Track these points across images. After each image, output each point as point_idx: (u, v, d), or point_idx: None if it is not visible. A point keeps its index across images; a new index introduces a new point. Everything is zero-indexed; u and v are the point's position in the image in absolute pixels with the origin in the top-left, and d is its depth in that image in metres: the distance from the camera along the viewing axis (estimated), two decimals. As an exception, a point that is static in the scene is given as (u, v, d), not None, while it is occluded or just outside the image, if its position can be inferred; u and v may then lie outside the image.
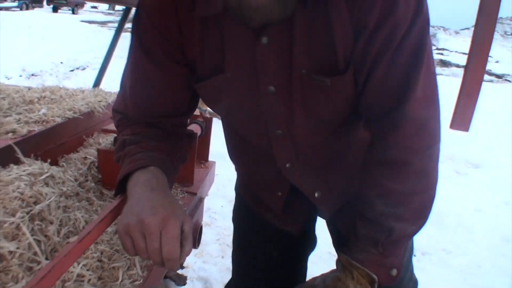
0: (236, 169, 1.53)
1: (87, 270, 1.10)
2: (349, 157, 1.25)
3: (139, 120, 1.19)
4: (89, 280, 1.09)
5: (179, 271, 2.65)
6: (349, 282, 1.06)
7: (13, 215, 1.08)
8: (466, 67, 0.64)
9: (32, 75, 8.09)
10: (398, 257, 1.09)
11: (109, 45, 2.56)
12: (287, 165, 1.23)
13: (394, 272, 1.07)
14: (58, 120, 1.62)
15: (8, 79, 7.50)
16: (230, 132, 1.35)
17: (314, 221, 1.55)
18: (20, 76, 7.88)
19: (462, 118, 0.64)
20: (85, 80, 7.87)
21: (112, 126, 1.70)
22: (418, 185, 1.05)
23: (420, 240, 3.82)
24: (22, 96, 1.86)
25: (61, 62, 9.40)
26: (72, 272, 1.08)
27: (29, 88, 2.06)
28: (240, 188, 1.55)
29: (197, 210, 1.73)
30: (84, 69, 9.46)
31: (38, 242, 1.09)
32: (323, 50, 1.01)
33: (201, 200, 1.80)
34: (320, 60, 1.02)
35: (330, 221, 1.50)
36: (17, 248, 1.03)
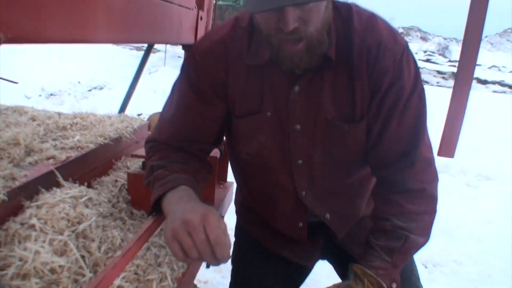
0: (249, 210, 1.78)
1: (126, 282, 1.25)
2: (353, 188, 1.54)
3: (169, 144, 1.41)
4: (127, 290, 1.24)
5: (199, 285, 2.78)
6: None
7: (61, 234, 1.24)
8: (450, 101, 0.79)
9: (51, 94, 8.31)
10: (398, 273, 1.33)
11: (133, 78, 2.75)
12: (303, 193, 1.47)
13: (394, 285, 1.30)
14: (91, 146, 1.78)
15: (28, 98, 7.71)
16: (252, 170, 1.55)
17: (326, 254, 1.74)
18: (40, 95, 8.08)
19: (447, 146, 0.78)
20: (102, 100, 8.11)
21: (139, 152, 1.86)
22: (428, 207, 1.36)
23: (432, 251, 3.93)
24: (56, 122, 2.02)
25: (79, 82, 9.61)
26: (113, 283, 1.23)
27: (59, 114, 2.22)
28: (253, 228, 1.77)
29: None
30: (101, 88, 9.68)
31: (83, 257, 1.25)
32: (345, 102, 1.32)
33: (221, 218, 1.95)
34: (342, 110, 1.33)
35: (337, 250, 1.69)
36: (66, 262, 1.18)
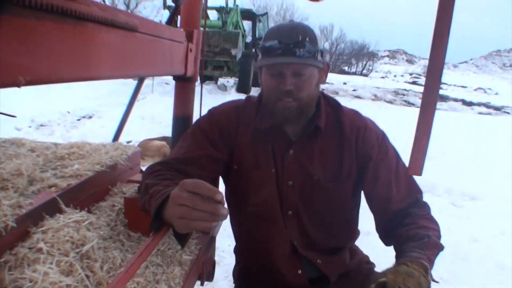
0: (250, 277, 1.95)
1: (127, 298, 1.35)
2: (337, 238, 1.82)
3: (167, 163, 1.62)
4: (129, 306, 1.34)
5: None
6: (405, 268, 1.31)
7: (67, 255, 1.34)
8: (417, 123, 0.89)
9: (41, 125, 8.37)
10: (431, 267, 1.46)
11: (126, 107, 2.85)
12: (295, 242, 1.73)
13: (430, 277, 1.37)
14: (89, 173, 1.88)
15: (19, 130, 7.76)
16: (255, 222, 1.77)
17: None
18: (29, 127, 8.15)
19: (416, 164, 0.89)
20: (92, 129, 8.20)
21: (135, 177, 1.96)
22: (435, 225, 1.63)
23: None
24: (54, 153, 2.11)
25: (68, 112, 9.69)
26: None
27: (56, 145, 2.32)
28: (253, 285, 1.92)
29: (210, 247, 1.98)
30: (90, 117, 9.76)
31: (87, 276, 1.35)
32: (333, 165, 1.68)
33: (213, 238, 2.05)
34: (328, 171, 1.68)
35: None
36: (73, 281, 1.28)
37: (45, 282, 1.23)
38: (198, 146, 1.67)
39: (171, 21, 2.19)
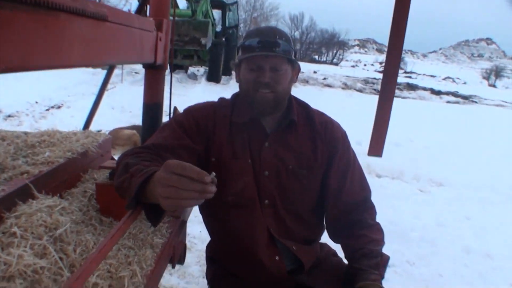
0: (223, 266, 1.98)
1: (100, 279, 1.39)
2: (310, 228, 1.93)
3: (148, 148, 1.65)
4: (102, 287, 1.38)
5: (165, 292, 2.92)
6: None
7: (40, 239, 1.38)
8: (378, 103, 0.95)
9: (9, 116, 8.25)
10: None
11: (96, 96, 2.88)
12: (271, 230, 1.82)
13: None
14: (61, 160, 1.91)
15: (-14, 121, 7.67)
16: (234, 211, 1.83)
17: None
18: (-3, 117, 8.04)
19: (376, 146, 0.94)
20: (61, 119, 8.13)
21: (106, 163, 2.00)
22: (382, 236, 1.83)
23: (386, 253, 4.10)
24: (24, 141, 2.13)
25: (36, 102, 9.56)
26: (89, 281, 1.37)
27: (27, 134, 2.34)
28: (229, 283, 1.96)
29: (181, 231, 2.03)
30: (59, 107, 9.64)
31: (61, 259, 1.39)
32: (306, 155, 1.81)
33: (183, 222, 2.10)
34: (303, 161, 1.81)
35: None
36: (46, 264, 1.32)
37: (19, 265, 1.26)
38: (175, 137, 1.72)
39: (140, 10, 2.22)
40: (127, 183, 1.38)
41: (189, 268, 3.39)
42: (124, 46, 1.59)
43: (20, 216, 1.46)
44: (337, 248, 2.01)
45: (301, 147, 1.82)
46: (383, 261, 1.75)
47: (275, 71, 1.71)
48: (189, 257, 3.54)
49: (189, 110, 1.85)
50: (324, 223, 1.97)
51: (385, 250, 3.97)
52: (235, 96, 1.90)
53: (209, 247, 2.07)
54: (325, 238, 2.01)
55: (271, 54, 1.68)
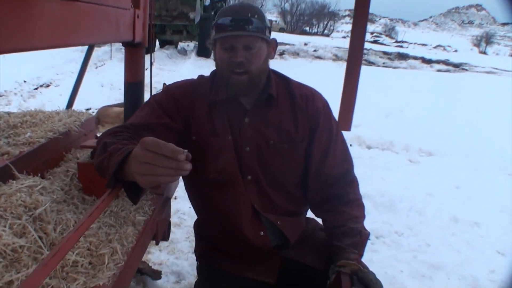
0: (211, 239, 2.01)
1: (80, 257, 1.41)
2: (293, 202, 1.94)
3: (127, 127, 1.66)
4: (82, 264, 1.40)
5: (154, 267, 2.95)
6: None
7: (19, 218, 1.39)
8: (344, 79, 0.94)
9: (-3, 95, 8.23)
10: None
11: (77, 76, 2.87)
12: (255, 205, 1.83)
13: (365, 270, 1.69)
14: (42, 140, 1.92)
15: (-26, 101, 7.64)
16: (216, 189, 1.85)
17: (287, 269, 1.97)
18: (-15, 97, 8.01)
19: (344, 120, 0.95)
20: (50, 97, 8.10)
21: (88, 143, 2.01)
22: (363, 211, 1.86)
23: (375, 224, 4.12)
24: (6, 122, 2.14)
25: (24, 81, 9.51)
26: (68, 259, 1.39)
27: (9, 114, 2.34)
28: (215, 258, 1.98)
29: (165, 208, 2.05)
30: (47, 86, 9.60)
31: (41, 238, 1.41)
32: (287, 129, 1.81)
33: (167, 199, 2.12)
34: (283, 135, 1.80)
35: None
36: (26, 243, 1.34)
37: (-1, 244, 1.28)
38: (154, 115, 1.73)
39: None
40: (106, 162, 1.40)
41: (178, 244, 3.41)
42: (97, 25, 1.58)
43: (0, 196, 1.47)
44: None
45: (281, 121, 1.82)
46: (363, 239, 1.78)
47: (249, 49, 1.70)
48: (178, 233, 3.57)
49: (168, 88, 1.85)
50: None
51: (375, 220, 4.01)
52: (214, 73, 1.89)
53: (196, 224, 2.10)
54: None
55: (243, 33, 1.67)
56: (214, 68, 1.85)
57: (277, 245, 1.90)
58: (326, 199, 1.87)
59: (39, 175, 1.75)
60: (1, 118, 2.20)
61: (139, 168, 1.17)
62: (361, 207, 1.88)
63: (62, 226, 1.51)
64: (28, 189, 1.54)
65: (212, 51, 1.83)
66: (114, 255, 1.48)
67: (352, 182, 1.91)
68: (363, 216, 1.87)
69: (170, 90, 1.83)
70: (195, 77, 1.94)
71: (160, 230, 1.98)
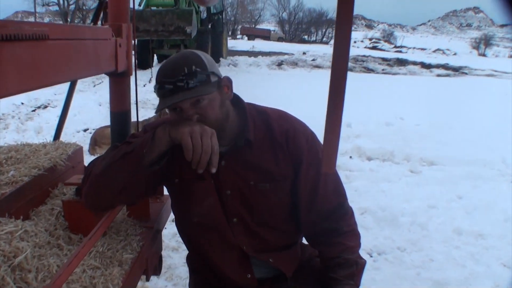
0: (201, 273, 1.99)
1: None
2: (285, 237, 1.88)
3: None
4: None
5: (152, 296, 2.89)
6: None
7: (-2, 269, 1.34)
8: (326, 116, 0.88)
9: (-5, 119, 8.20)
10: None
11: (61, 112, 2.84)
12: (244, 247, 1.78)
13: None
14: (25, 179, 1.87)
15: (-28, 126, 7.62)
16: (202, 232, 1.82)
17: None
18: (-17, 121, 7.98)
19: (328, 161, 0.89)
20: (47, 119, 8.07)
21: (73, 179, 1.95)
22: (358, 241, 1.84)
23: (377, 240, 4.08)
24: (-9, 158, 2.09)
25: (22, 103, 9.50)
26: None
27: (-4, 148, 2.29)
28: None
29: (155, 242, 1.99)
30: (45, 107, 9.59)
31: (20, 288, 1.35)
32: (268, 168, 1.74)
33: (158, 231, 2.06)
34: (265, 174, 1.74)
35: None
36: (4, 295, 1.28)
37: (-24, 299, 1.22)
38: None
39: (96, 19, 2.16)
40: (125, 149, 1.59)
41: (176, 270, 3.35)
42: (73, 61, 1.52)
43: (-21, 245, 1.42)
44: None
45: (261, 161, 1.75)
46: (359, 269, 1.75)
47: (198, 103, 1.58)
48: (176, 257, 3.52)
49: (146, 130, 1.80)
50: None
51: (376, 237, 3.94)
52: None
53: (188, 259, 2.07)
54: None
55: (184, 97, 1.54)
56: None
57: (273, 277, 1.86)
58: (320, 232, 1.82)
59: (22, 216, 1.69)
60: (-14, 154, 2.14)
61: (186, 131, 1.46)
62: (357, 236, 1.84)
63: (44, 273, 1.45)
64: (8, 235, 1.48)
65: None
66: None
67: (345, 215, 1.84)
68: (359, 245, 1.83)
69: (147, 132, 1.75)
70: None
71: (150, 266, 1.93)
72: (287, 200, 1.81)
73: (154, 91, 1.63)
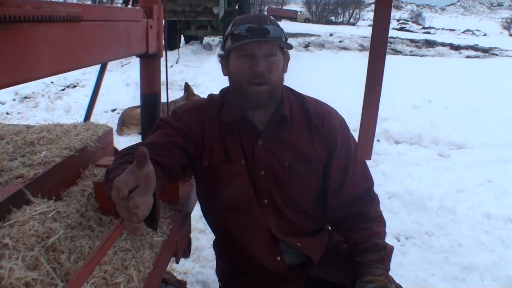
0: (231, 263, 2.00)
1: (95, 287, 1.36)
2: (313, 221, 1.90)
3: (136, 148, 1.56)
4: (97, 295, 1.36)
5: (179, 276, 2.91)
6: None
7: (32, 250, 1.35)
8: (363, 104, 0.88)
9: (25, 98, 8.29)
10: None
11: (92, 93, 2.84)
12: (273, 229, 1.78)
13: (393, 286, 1.69)
14: (58, 160, 1.88)
15: (3, 104, 7.70)
16: (231, 215, 1.82)
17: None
18: (14, 100, 8.07)
19: (364, 149, 0.88)
20: (76, 98, 8.13)
21: (103, 161, 1.97)
22: (385, 227, 1.86)
23: (404, 225, 4.06)
24: (24, 138, 2.11)
25: (52, 82, 9.57)
26: (83, 291, 1.34)
27: (28, 128, 2.31)
28: (238, 281, 1.97)
29: (184, 225, 2.00)
30: (74, 86, 9.66)
31: (54, 269, 1.36)
32: (303, 149, 1.74)
33: (187, 215, 2.07)
34: (299, 155, 1.74)
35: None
36: (39, 275, 1.30)
37: (11, 278, 1.24)
38: (165, 134, 1.69)
39: (127, 1, 2.15)
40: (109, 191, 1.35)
41: (204, 252, 3.37)
42: (105, 43, 1.52)
43: (13, 225, 1.44)
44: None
45: (296, 142, 1.76)
46: (387, 253, 1.77)
47: (269, 57, 1.63)
48: (203, 239, 3.54)
49: (176, 112, 1.80)
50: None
51: (404, 221, 3.92)
52: (224, 92, 1.84)
53: (215, 244, 2.08)
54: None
55: (263, 40, 1.59)
56: None
57: (301, 263, 1.86)
58: (347, 218, 1.84)
59: (54, 197, 1.71)
60: (18, 134, 2.16)
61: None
62: (383, 223, 1.87)
63: (77, 254, 1.47)
64: (42, 216, 1.50)
65: (221, 65, 1.78)
66: (131, 282, 1.43)
67: (372, 201, 1.88)
68: (385, 233, 1.86)
69: (179, 114, 1.78)
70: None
71: (179, 249, 1.93)
72: (318, 183, 1.82)
73: (227, 36, 1.68)
